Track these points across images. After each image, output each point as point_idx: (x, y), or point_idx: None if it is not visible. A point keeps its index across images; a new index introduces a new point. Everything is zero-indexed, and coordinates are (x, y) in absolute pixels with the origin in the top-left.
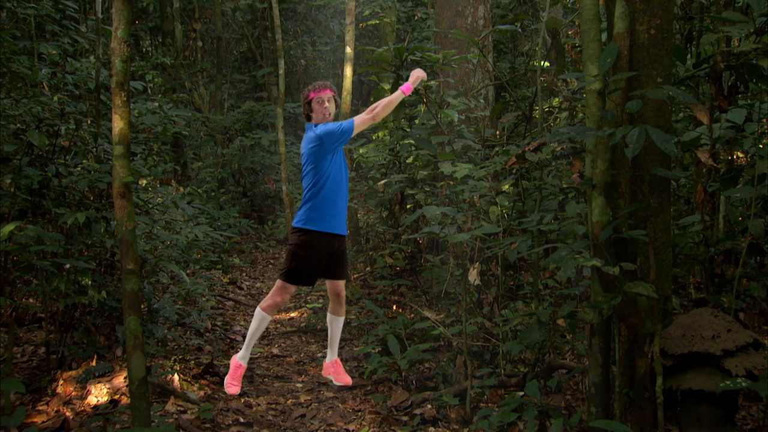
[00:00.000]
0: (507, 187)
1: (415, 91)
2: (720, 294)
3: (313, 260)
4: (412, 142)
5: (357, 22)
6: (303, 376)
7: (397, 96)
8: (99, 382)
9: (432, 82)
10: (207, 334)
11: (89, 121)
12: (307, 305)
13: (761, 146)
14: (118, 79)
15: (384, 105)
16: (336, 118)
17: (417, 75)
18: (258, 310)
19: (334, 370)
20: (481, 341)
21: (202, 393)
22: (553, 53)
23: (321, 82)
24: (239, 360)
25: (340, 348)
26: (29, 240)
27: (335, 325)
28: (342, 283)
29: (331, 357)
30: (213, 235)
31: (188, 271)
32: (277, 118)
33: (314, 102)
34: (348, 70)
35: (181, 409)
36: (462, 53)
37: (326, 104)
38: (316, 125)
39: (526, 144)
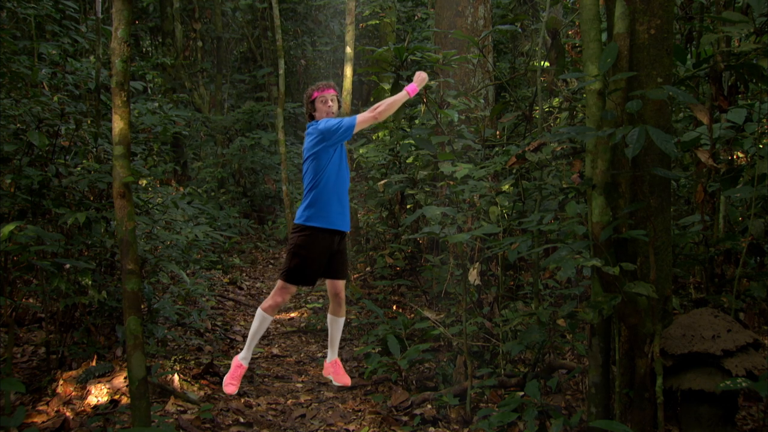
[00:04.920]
0: (507, 187)
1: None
2: (720, 294)
3: (313, 259)
4: (412, 142)
5: (357, 22)
6: (303, 376)
7: (402, 96)
8: (99, 382)
9: (432, 82)
10: (207, 334)
11: (89, 121)
12: (307, 305)
13: (761, 146)
14: (118, 79)
15: (388, 104)
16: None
17: (422, 77)
18: (259, 310)
19: (334, 370)
20: (481, 341)
21: (202, 393)
22: (553, 53)
23: (324, 81)
24: (240, 360)
25: (341, 348)
26: (29, 240)
27: (335, 326)
28: (342, 283)
29: (331, 357)
30: (213, 235)
31: (188, 271)
32: (277, 118)
33: (318, 101)
34: (348, 70)
35: (181, 409)
36: (462, 53)
37: (330, 103)
38: (317, 122)
39: (526, 144)
